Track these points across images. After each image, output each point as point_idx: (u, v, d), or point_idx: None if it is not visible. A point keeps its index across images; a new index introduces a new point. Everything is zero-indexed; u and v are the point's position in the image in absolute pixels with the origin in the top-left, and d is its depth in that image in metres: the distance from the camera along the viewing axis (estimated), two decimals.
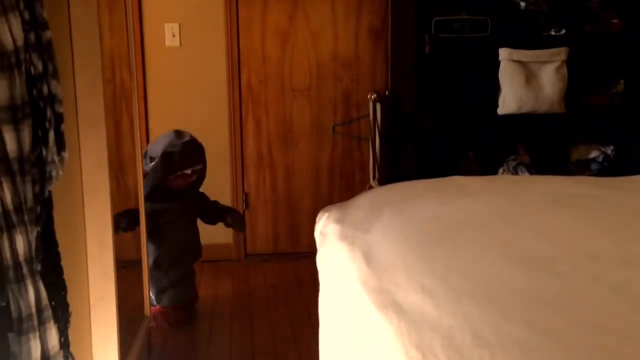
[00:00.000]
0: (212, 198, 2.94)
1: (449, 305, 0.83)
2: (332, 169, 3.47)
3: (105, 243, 1.51)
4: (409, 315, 0.84)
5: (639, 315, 0.78)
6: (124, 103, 2.29)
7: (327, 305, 1.10)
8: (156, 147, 2.59)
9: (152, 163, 2.54)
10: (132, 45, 2.10)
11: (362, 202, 1.36)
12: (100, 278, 1.48)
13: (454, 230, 1.09)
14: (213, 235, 3.40)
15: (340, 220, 1.26)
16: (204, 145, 2.78)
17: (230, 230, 3.40)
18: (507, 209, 1.19)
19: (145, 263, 2.21)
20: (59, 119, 1.20)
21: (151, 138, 3.28)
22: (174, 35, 3.23)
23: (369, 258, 1.03)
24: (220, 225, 2.88)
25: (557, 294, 0.83)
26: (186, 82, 3.30)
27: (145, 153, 2.59)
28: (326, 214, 1.34)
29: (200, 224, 2.86)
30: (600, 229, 1.06)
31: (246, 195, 3.40)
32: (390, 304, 0.87)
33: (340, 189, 3.49)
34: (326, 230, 1.26)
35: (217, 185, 3.36)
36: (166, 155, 2.54)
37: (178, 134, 2.63)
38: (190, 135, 2.67)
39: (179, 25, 3.23)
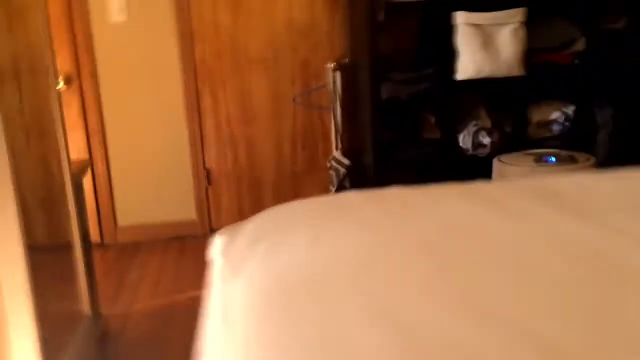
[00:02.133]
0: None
1: None
2: (294, 140, 3.44)
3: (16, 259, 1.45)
4: None
5: None
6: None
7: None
8: None
9: None
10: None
11: (249, 229, 1.20)
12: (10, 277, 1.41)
13: (313, 284, 0.92)
14: (176, 211, 3.40)
15: (224, 253, 1.15)
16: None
17: (193, 206, 3.40)
18: (379, 249, 1.03)
19: (79, 247, 1.97)
20: None
21: (106, 121, 3.23)
22: (120, 9, 3.13)
23: (226, 316, 0.92)
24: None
25: None
26: (136, 59, 3.21)
27: None
28: (218, 239, 1.22)
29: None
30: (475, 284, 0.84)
31: (208, 171, 3.38)
32: None
33: (304, 160, 3.47)
34: (212, 261, 1.16)
35: (178, 163, 3.34)
36: None
37: None
38: None
39: None
